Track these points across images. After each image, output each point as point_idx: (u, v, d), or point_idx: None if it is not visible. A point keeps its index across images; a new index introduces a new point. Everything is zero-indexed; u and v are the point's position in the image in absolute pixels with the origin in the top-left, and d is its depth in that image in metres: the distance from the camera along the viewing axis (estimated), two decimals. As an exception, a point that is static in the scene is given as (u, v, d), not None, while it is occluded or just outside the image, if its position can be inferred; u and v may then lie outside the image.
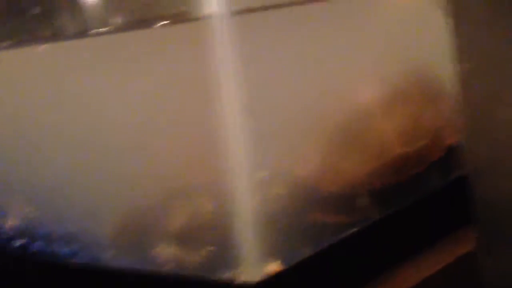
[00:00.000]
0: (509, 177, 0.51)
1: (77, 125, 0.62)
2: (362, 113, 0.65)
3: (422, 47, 0.69)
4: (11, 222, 0.68)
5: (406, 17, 0.70)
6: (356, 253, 0.63)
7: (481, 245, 0.56)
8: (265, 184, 0.57)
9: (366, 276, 0.64)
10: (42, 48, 0.62)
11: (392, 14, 0.69)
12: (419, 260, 0.66)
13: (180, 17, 0.54)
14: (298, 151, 0.60)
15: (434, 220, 0.69)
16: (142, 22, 0.57)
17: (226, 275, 0.59)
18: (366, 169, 0.65)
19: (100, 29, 0.60)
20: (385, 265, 0.65)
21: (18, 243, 0.68)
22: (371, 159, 0.65)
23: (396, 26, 0.69)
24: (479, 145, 0.54)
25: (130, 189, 0.61)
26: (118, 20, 0.61)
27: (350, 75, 0.64)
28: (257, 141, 0.55)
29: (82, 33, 0.61)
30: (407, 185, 0.67)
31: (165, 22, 0.54)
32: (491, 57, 0.50)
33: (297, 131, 0.60)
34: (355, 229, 0.62)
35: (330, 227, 0.61)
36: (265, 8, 0.56)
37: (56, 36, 0.61)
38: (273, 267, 0.59)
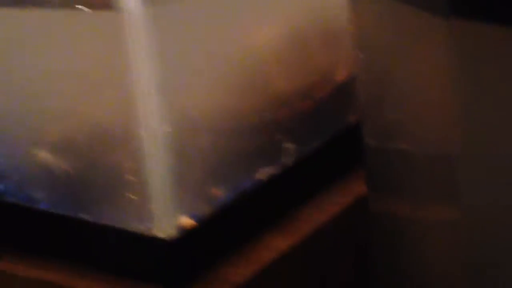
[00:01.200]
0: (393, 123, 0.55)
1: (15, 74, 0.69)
2: (255, 50, 0.69)
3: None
4: None
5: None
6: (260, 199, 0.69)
7: (370, 186, 0.60)
8: (171, 137, 0.62)
9: (267, 222, 0.69)
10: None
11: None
12: (316, 202, 0.70)
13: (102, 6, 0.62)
14: (201, 99, 0.66)
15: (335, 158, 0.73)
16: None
17: (140, 228, 0.63)
18: (252, 103, 0.68)
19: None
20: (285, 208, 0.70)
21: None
22: (256, 94, 0.69)
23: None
24: (370, 88, 0.57)
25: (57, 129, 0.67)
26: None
27: (251, 19, 0.69)
28: (165, 96, 0.61)
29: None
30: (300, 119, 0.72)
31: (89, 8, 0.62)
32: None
33: (200, 83, 0.65)
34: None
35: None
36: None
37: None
38: (185, 222, 0.64)
